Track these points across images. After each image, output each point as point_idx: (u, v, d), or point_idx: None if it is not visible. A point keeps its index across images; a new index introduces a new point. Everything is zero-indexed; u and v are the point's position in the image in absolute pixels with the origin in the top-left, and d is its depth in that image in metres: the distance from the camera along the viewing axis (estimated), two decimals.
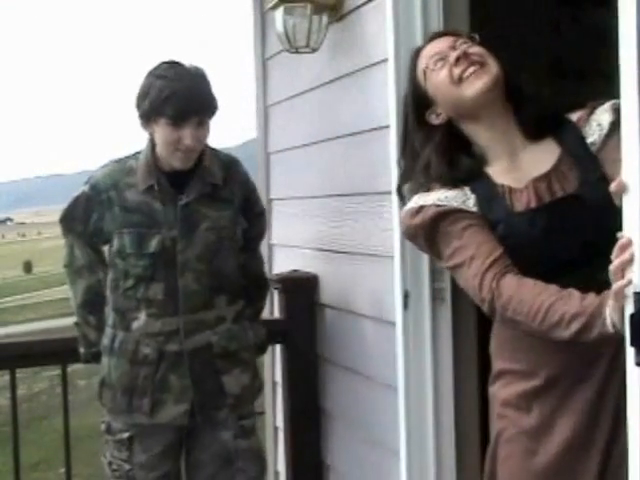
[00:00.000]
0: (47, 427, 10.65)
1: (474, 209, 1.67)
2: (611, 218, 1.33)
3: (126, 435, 2.35)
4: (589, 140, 1.67)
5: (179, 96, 2.21)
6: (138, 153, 2.36)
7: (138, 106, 2.30)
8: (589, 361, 1.61)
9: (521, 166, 1.69)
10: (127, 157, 2.39)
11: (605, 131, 1.65)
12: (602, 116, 1.66)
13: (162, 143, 2.28)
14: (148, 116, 2.28)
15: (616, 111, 1.57)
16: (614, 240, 1.31)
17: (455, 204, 1.67)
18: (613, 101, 1.62)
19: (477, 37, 1.76)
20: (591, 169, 1.63)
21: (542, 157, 1.68)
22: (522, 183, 1.66)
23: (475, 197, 1.67)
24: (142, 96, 2.28)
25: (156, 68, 2.29)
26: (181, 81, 2.24)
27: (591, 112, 1.69)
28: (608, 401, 1.61)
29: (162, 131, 2.26)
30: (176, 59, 2.32)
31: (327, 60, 2.75)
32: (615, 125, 1.58)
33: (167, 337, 2.31)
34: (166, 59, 2.33)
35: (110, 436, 2.38)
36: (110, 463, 2.39)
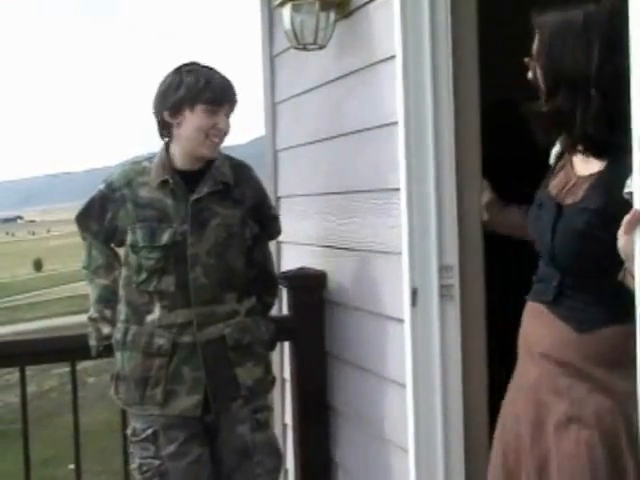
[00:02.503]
0: (57, 424, 10.70)
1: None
2: (574, 246, 1.64)
3: (150, 431, 2.37)
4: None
5: (216, 83, 2.33)
6: (152, 156, 2.44)
7: (166, 98, 2.35)
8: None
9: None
10: (142, 158, 2.47)
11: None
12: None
13: (194, 130, 2.34)
14: (181, 104, 2.33)
15: None
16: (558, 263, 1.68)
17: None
18: None
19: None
20: (597, 200, 1.64)
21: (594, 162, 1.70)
22: (574, 171, 1.74)
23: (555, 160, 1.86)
24: (174, 88, 2.33)
25: (181, 67, 2.37)
26: (213, 73, 2.35)
27: None
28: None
29: (197, 118, 2.33)
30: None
31: (335, 57, 2.75)
32: None
33: (180, 329, 2.35)
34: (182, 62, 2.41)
35: (135, 437, 2.41)
36: (140, 466, 2.39)
